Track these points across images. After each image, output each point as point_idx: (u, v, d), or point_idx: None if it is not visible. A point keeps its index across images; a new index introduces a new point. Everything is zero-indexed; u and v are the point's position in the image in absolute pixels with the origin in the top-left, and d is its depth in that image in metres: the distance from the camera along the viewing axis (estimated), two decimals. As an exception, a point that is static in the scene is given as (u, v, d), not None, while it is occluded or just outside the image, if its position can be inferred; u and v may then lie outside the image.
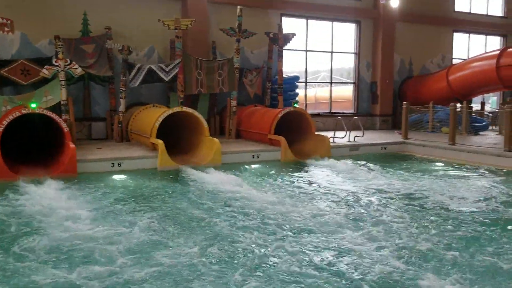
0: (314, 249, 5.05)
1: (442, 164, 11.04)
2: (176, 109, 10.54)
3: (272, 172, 9.82)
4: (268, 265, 4.61)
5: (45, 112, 9.32)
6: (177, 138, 11.66)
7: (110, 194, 7.58)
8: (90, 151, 10.44)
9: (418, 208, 6.84)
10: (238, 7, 12.95)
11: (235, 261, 4.70)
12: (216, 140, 10.41)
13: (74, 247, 5.02)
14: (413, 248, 5.08)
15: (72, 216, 6.14)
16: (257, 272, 4.43)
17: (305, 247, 5.09)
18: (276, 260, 4.72)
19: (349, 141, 12.95)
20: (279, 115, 11.72)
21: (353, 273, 4.41)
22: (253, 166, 10.49)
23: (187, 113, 10.68)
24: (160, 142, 9.84)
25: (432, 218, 6.30)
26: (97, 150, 10.76)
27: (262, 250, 4.99)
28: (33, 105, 9.10)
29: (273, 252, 4.92)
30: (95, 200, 7.15)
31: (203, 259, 4.71)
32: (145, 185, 8.38)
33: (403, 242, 5.27)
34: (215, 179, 8.65)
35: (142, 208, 6.74)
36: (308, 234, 5.57)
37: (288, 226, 5.86)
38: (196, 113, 10.69)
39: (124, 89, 12.22)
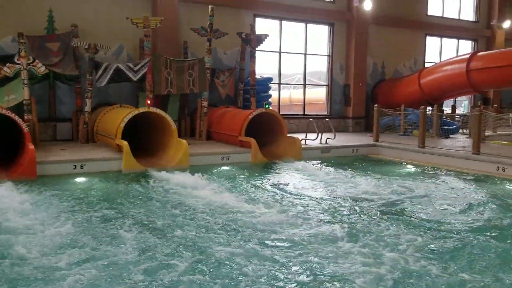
0: (276, 262, 4.77)
1: (412, 167, 11.05)
2: (142, 109, 10.27)
3: (239, 174, 9.63)
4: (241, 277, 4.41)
5: (3, 111, 8.92)
6: (145, 139, 11.39)
7: (67, 199, 7.22)
8: (53, 153, 10.07)
9: (388, 214, 6.69)
10: (210, 6, 12.73)
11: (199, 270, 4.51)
12: (184, 141, 10.17)
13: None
14: (388, 262, 4.74)
15: (19, 226, 5.73)
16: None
17: (267, 260, 4.83)
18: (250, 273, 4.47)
19: (320, 143, 12.87)
20: (250, 117, 11.55)
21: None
22: (222, 168, 10.30)
23: (155, 113, 10.42)
24: (125, 143, 9.54)
25: (401, 224, 6.16)
26: (61, 151, 10.40)
27: (232, 261, 4.75)
28: (-10, 104, 8.71)
29: (244, 263, 4.70)
30: (49, 207, 6.69)
31: (171, 272, 4.43)
32: (107, 189, 8.08)
33: (374, 254, 4.98)
34: (180, 183, 8.37)
35: (99, 216, 6.37)
36: (273, 243, 5.32)
37: (255, 233, 5.62)
38: (163, 113, 10.43)
39: (90, 88, 11.87)
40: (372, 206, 7.09)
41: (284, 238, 5.52)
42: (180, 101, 13.62)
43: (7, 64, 10.59)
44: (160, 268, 4.54)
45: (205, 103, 12.95)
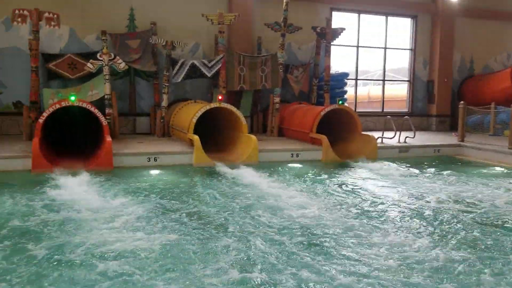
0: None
1: (502, 170, 10.01)
2: (214, 104, 10.34)
3: (309, 173, 9.30)
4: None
5: (84, 105, 9.39)
6: (216, 135, 11.49)
7: (142, 192, 7.29)
8: (130, 145, 10.47)
9: (482, 228, 5.71)
10: (285, 0, 12.53)
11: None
12: (253, 137, 10.10)
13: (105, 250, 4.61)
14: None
15: (95, 214, 5.91)
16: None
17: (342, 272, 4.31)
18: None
19: (398, 142, 12.17)
20: (322, 113, 11.20)
21: None
22: (291, 165, 10.05)
23: (226, 109, 10.46)
24: (196, 138, 9.66)
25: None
26: (138, 144, 10.79)
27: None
28: (72, 98, 9.20)
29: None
30: (121, 196, 6.90)
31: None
32: (177, 182, 8.14)
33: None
34: (247, 179, 8.29)
35: (167, 209, 6.31)
36: (345, 256, 4.70)
37: (328, 242, 5.07)
38: (234, 109, 10.42)
39: (167, 84, 12.21)
40: (472, 217, 6.15)
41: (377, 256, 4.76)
42: (253, 97, 13.60)
43: (90, 61, 11.21)
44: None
45: (277, 99, 12.80)
